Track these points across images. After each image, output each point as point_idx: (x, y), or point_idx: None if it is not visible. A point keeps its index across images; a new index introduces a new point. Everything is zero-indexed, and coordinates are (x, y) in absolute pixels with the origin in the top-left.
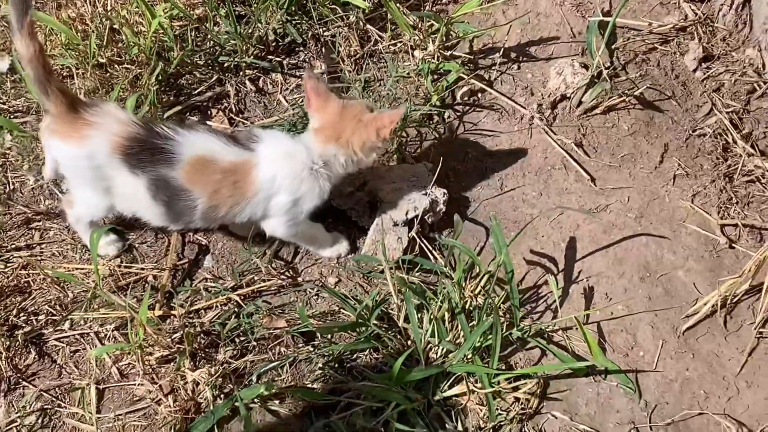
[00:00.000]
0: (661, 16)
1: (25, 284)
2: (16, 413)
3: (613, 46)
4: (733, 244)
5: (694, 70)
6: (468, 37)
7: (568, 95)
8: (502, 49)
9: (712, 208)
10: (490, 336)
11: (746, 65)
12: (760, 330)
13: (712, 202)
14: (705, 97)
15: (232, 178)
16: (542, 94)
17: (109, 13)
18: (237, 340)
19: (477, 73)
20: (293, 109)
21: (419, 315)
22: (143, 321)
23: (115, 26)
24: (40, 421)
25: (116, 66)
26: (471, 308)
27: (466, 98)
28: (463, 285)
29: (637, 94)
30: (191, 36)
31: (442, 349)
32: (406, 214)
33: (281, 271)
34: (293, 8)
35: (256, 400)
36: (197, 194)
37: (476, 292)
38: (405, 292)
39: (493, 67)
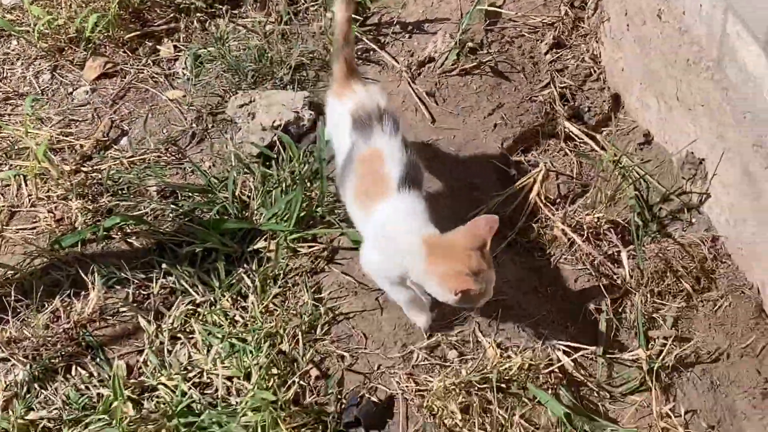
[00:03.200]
0: (542, 13)
1: None
2: None
3: (485, 27)
4: (518, 176)
5: (546, 53)
6: (382, 12)
7: (435, 58)
8: (400, 22)
9: (513, 150)
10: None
11: (586, 53)
12: (512, 236)
13: (516, 147)
14: (548, 75)
15: (381, 185)
16: (417, 56)
17: None
18: (119, 192)
19: (376, 36)
20: None
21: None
22: (39, 154)
23: None
24: None
25: None
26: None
27: (359, 53)
28: (283, 166)
29: (492, 65)
30: None
31: (263, 216)
32: (273, 122)
33: (173, 154)
34: None
35: (117, 231)
36: (356, 174)
37: (294, 174)
38: (236, 167)
39: (390, 35)
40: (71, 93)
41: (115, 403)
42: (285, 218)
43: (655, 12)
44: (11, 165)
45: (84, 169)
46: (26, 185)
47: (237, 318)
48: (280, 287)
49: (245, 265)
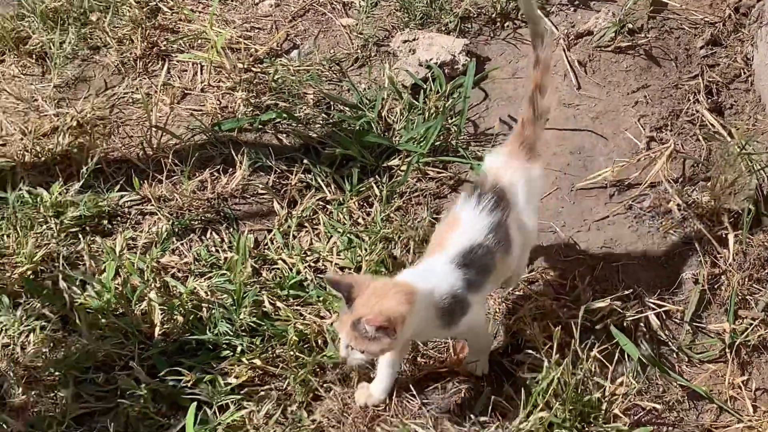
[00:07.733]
0: (706, 12)
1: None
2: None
3: (648, 14)
4: (651, 153)
5: (701, 48)
6: None
7: (594, 32)
8: None
9: (648, 127)
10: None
11: (740, 55)
12: (630, 202)
13: (651, 124)
14: (698, 68)
15: None
16: (577, 28)
17: None
18: (280, 93)
19: (543, 5)
20: None
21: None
22: (218, 45)
23: None
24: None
25: None
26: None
27: (523, 17)
28: (430, 97)
29: (646, 48)
30: None
31: (402, 137)
32: (431, 59)
33: (335, 72)
34: None
35: (271, 127)
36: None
37: (438, 104)
38: (387, 89)
39: (556, 5)
40: (257, 4)
41: (236, 258)
42: (421, 142)
43: None
44: (193, 54)
45: (254, 69)
46: (201, 73)
47: (360, 220)
48: (404, 202)
49: (377, 177)
